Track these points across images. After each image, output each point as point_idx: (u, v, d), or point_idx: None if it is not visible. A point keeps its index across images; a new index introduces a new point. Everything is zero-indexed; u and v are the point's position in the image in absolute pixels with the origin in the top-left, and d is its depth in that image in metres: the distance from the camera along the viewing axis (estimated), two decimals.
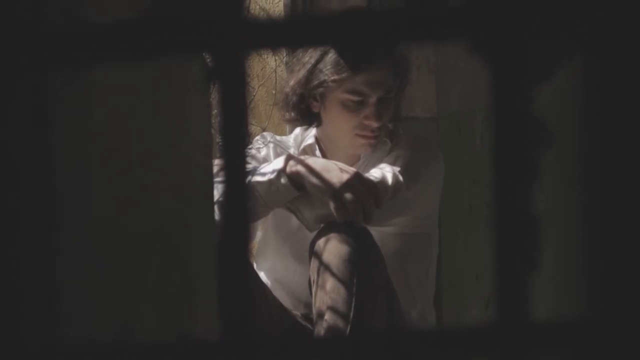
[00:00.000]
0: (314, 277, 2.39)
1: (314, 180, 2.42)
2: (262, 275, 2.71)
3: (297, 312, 2.64)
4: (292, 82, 2.66)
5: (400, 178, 2.50)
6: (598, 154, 0.84)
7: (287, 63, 3.18)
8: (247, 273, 0.82)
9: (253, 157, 2.69)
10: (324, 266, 2.36)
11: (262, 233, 2.77)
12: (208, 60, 0.88)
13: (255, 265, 2.74)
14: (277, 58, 3.52)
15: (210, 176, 1.56)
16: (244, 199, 0.73)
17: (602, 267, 0.79)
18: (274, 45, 0.84)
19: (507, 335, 0.76)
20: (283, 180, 2.44)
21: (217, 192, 1.61)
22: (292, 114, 2.69)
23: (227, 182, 0.74)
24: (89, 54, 0.85)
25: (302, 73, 2.62)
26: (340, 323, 2.31)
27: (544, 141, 0.88)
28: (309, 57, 2.61)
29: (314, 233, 2.46)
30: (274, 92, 3.56)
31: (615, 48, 0.85)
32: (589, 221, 0.84)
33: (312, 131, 2.73)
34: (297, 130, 2.79)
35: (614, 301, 0.79)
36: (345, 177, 2.39)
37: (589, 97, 0.89)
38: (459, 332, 0.77)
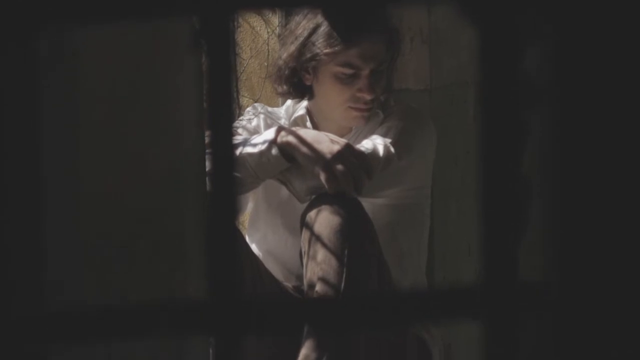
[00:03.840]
0: (305, 248, 2.39)
1: (305, 151, 2.42)
2: (254, 247, 2.71)
3: (288, 284, 2.65)
4: (284, 55, 2.65)
5: (392, 149, 2.50)
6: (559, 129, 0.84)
7: (279, 35, 3.17)
8: (234, 234, 0.82)
9: (244, 128, 2.69)
10: (315, 237, 2.36)
11: (253, 204, 2.77)
12: (197, 23, 0.88)
13: (247, 237, 2.74)
14: (269, 30, 3.51)
15: (202, 149, 1.56)
16: (231, 158, 0.73)
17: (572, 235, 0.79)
18: (260, 6, 0.84)
19: (494, 294, 0.76)
20: (274, 151, 2.44)
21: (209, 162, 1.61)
22: (285, 87, 2.68)
23: (213, 138, 0.74)
24: (77, 14, 0.85)
25: (294, 46, 2.62)
26: (331, 294, 2.31)
27: (533, 101, 0.88)
28: (302, 29, 2.61)
29: (305, 204, 2.46)
30: (266, 64, 3.54)
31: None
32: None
33: (304, 102, 2.72)
34: (289, 102, 2.79)
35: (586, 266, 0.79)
36: (336, 148, 2.40)
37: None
38: (446, 292, 0.77)
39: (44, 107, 1.08)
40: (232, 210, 0.83)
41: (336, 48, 2.56)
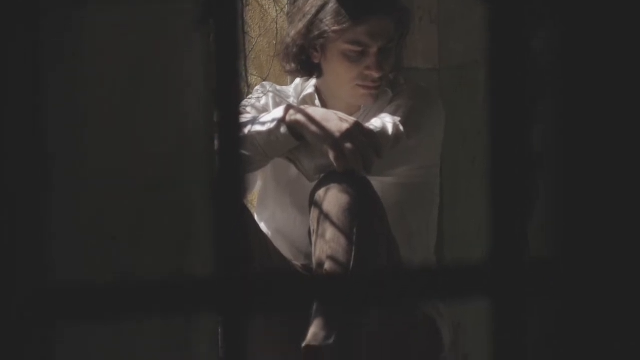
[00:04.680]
0: (314, 226, 2.39)
1: (313, 129, 2.41)
2: (263, 226, 2.71)
3: (297, 263, 2.65)
4: (292, 33, 2.65)
5: (401, 128, 2.50)
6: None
7: (288, 13, 3.16)
8: (242, 212, 0.82)
9: (252, 106, 2.69)
10: (324, 215, 2.36)
11: (261, 183, 2.77)
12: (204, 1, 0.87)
13: (255, 216, 2.75)
14: (277, 8, 3.50)
15: (209, 133, 1.56)
16: (238, 136, 0.73)
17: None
18: None
19: (502, 273, 0.76)
20: (282, 129, 2.44)
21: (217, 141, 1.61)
22: (293, 65, 2.68)
23: (221, 117, 0.74)
24: None
25: (302, 24, 2.61)
26: (339, 272, 2.31)
27: (541, 88, 0.87)
28: (310, 7, 2.60)
29: (314, 182, 2.46)
30: (274, 42, 3.54)
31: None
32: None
33: (312, 81, 2.72)
34: (298, 80, 2.78)
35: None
36: (345, 126, 2.39)
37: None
38: (454, 270, 0.77)
39: (51, 90, 1.08)
40: (240, 189, 0.82)
41: (344, 25, 2.55)
